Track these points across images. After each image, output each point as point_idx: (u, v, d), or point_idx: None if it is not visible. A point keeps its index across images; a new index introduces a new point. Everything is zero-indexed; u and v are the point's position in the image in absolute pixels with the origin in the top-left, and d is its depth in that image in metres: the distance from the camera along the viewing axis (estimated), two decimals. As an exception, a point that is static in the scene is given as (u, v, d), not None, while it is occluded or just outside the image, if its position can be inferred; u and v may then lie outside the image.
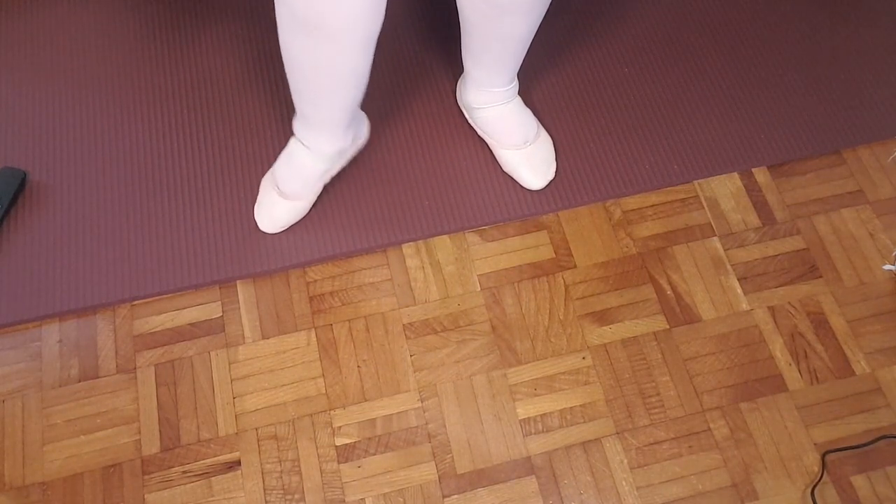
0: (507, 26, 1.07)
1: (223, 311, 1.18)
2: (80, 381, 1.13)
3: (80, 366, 1.14)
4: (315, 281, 1.20)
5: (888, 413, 1.13)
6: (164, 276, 1.19)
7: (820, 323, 1.19)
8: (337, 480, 1.08)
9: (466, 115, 1.32)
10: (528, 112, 1.28)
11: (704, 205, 1.28)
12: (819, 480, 1.08)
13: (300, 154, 1.16)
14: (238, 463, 1.08)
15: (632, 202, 1.28)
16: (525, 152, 1.25)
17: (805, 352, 1.17)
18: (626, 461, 1.09)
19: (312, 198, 1.21)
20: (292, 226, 1.22)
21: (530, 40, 1.13)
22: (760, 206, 1.27)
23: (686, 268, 1.22)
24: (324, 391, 1.13)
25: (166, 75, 1.36)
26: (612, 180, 1.28)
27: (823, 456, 1.09)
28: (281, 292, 1.19)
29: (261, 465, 1.08)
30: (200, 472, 1.08)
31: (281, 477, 1.08)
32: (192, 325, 1.17)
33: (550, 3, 1.06)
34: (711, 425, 1.12)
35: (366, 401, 1.12)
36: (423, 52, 1.40)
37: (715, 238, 1.25)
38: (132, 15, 1.42)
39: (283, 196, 1.18)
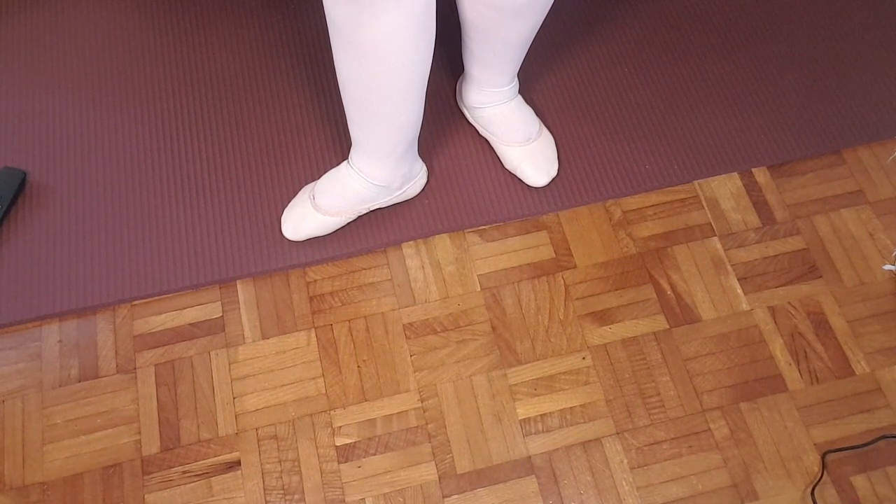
0: (509, 29, 1.06)
1: (223, 311, 1.18)
2: (80, 381, 1.13)
3: (80, 366, 1.14)
4: (315, 281, 1.20)
5: (888, 413, 1.13)
6: (164, 276, 1.19)
7: (820, 323, 1.19)
8: (337, 480, 1.08)
9: (467, 115, 1.32)
10: (530, 109, 1.29)
11: (704, 205, 1.28)
12: (819, 480, 1.08)
13: (346, 173, 1.16)
14: (238, 463, 1.08)
15: (632, 202, 1.28)
16: (528, 149, 1.25)
17: (805, 352, 1.16)
18: (626, 461, 1.09)
19: (342, 220, 1.19)
20: None
21: (531, 40, 1.13)
22: (760, 206, 1.27)
23: (686, 268, 1.22)
24: (324, 391, 1.13)
25: (167, 75, 1.36)
26: (612, 180, 1.28)
27: (823, 456, 1.09)
28: (281, 292, 1.19)
29: (261, 465, 1.08)
30: (200, 472, 1.08)
31: (281, 477, 1.08)
32: (192, 325, 1.17)
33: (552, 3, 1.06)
34: (711, 425, 1.12)
35: (366, 401, 1.12)
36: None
37: (715, 238, 1.25)
38: (132, 14, 1.42)
39: (316, 208, 1.18)
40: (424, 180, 1.24)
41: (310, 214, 1.18)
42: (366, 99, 1.00)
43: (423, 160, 1.26)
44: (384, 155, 1.11)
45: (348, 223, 1.22)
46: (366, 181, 1.15)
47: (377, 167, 1.13)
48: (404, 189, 1.20)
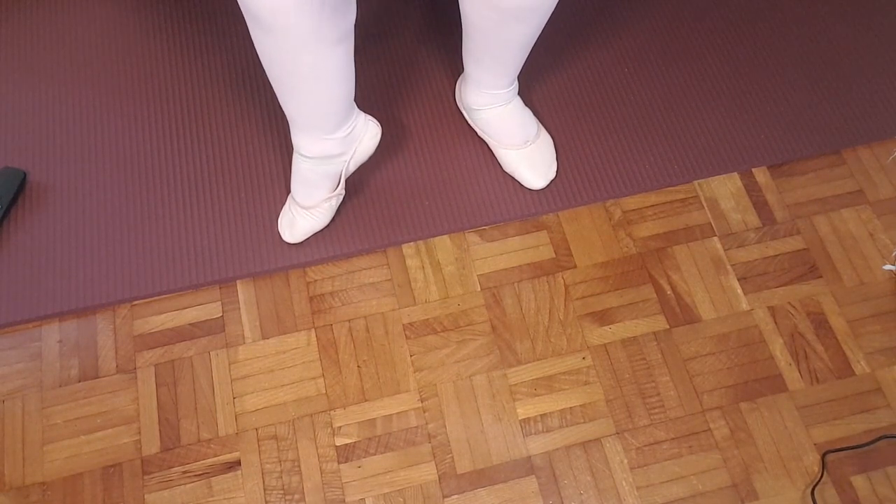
0: (510, 31, 1.06)
1: (223, 311, 1.18)
2: (80, 381, 1.13)
3: (80, 366, 1.14)
4: (315, 281, 1.20)
5: (888, 413, 1.13)
6: (164, 276, 1.19)
7: (820, 323, 1.19)
8: (337, 480, 1.08)
9: (466, 116, 1.32)
10: (528, 112, 1.28)
11: (704, 205, 1.28)
12: (819, 480, 1.08)
13: (299, 162, 1.15)
14: (238, 463, 1.08)
15: (632, 202, 1.28)
16: (525, 152, 1.25)
17: (805, 352, 1.16)
18: (626, 461, 1.09)
19: (326, 206, 1.19)
20: None
21: (533, 44, 1.13)
22: (760, 206, 1.27)
23: (686, 268, 1.22)
24: (324, 391, 1.13)
25: (167, 75, 1.36)
26: (612, 180, 1.28)
27: (823, 456, 1.09)
28: (281, 292, 1.19)
29: (261, 465, 1.08)
30: (200, 472, 1.08)
31: (281, 477, 1.08)
32: (192, 325, 1.17)
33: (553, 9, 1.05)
34: (711, 425, 1.12)
35: (366, 401, 1.12)
36: (422, 52, 1.40)
37: (715, 238, 1.25)
38: (133, 15, 1.42)
39: (301, 206, 1.18)
40: (376, 130, 1.19)
41: (298, 215, 1.19)
42: (284, 75, 0.97)
43: (423, 159, 1.26)
44: (320, 129, 1.08)
45: (338, 204, 1.21)
46: (312, 161, 1.13)
47: (317, 142, 1.10)
48: (354, 149, 1.16)
